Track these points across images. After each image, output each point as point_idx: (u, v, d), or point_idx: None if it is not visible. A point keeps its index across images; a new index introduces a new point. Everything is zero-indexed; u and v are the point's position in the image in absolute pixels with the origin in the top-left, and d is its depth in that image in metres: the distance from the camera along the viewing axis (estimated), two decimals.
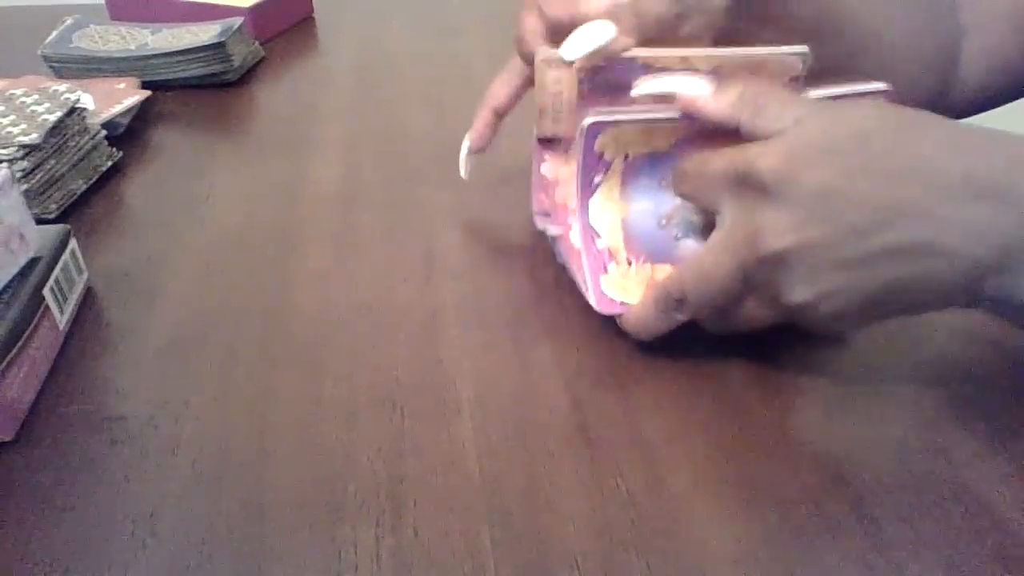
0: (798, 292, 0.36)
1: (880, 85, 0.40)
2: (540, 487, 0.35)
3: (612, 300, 0.41)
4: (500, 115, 0.50)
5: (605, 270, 0.42)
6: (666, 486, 0.35)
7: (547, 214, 0.48)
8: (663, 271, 0.42)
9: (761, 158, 0.35)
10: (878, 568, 0.31)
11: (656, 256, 0.42)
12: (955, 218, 0.33)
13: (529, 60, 0.43)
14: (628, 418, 0.38)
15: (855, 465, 0.36)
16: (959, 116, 0.58)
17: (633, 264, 0.42)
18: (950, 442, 0.37)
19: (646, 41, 0.41)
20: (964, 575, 0.31)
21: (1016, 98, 0.58)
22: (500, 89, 0.49)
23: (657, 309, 0.40)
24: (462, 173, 0.51)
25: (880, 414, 0.38)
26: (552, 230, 0.47)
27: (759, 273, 0.37)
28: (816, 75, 0.42)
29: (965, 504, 0.34)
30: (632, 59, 0.41)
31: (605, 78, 0.42)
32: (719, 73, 0.41)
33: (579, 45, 0.40)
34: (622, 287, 0.42)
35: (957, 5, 0.55)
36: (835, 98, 0.40)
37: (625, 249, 0.42)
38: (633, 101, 0.41)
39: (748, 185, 0.36)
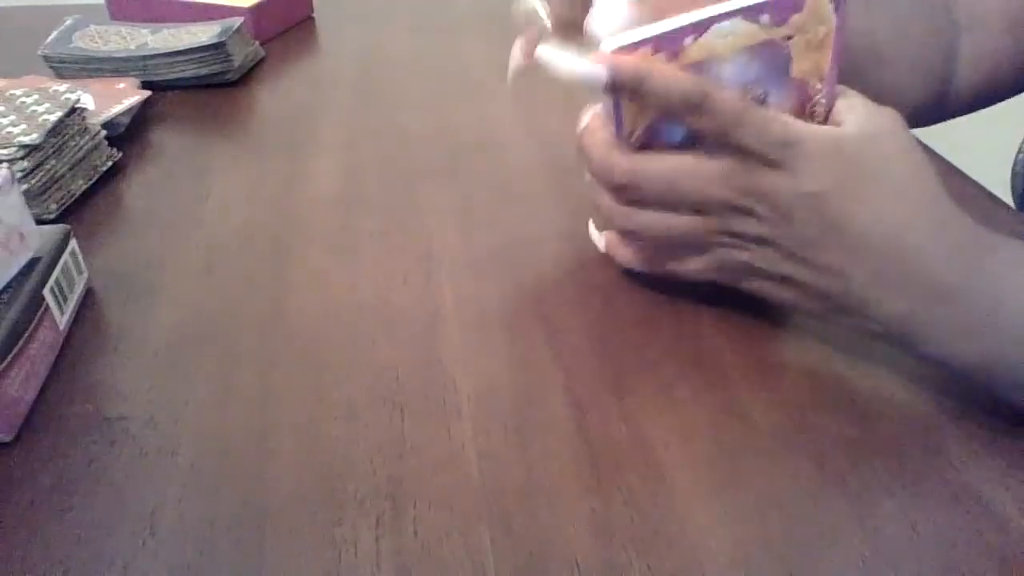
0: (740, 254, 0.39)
1: None
2: (540, 487, 0.35)
3: None
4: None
5: None
6: (666, 487, 0.35)
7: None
8: None
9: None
10: (877, 568, 0.31)
11: None
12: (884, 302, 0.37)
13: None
14: (628, 418, 0.38)
15: (854, 465, 0.36)
16: (955, 115, 0.58)
17: None
18: (950, 442, 0.37)
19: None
20: (964, 575, 0.31)
21: (1008, 96, 0.58)
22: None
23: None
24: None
25: (880, 414, 0.38)
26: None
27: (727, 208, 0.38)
28: None
29: (965, 504, 0.34)
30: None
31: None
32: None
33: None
34: None
35: (952, 3, 0.55)
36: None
37: None
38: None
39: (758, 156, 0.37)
